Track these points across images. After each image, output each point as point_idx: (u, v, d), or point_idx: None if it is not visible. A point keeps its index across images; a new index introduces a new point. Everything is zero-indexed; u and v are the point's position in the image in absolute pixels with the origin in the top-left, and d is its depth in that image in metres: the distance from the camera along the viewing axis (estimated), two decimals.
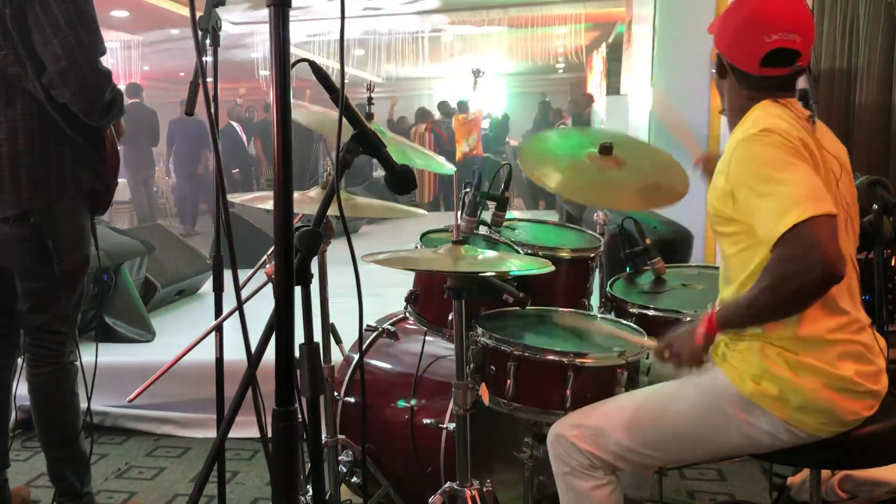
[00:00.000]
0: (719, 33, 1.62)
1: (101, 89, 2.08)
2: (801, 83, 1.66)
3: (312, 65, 1.31)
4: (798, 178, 1.40)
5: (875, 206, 2.04)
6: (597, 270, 2.22)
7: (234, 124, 10.86)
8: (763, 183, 1.43)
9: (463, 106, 11.60)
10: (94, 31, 2.06)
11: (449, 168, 2.13)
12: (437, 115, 12.42)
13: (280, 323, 0.94)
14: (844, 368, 1.47)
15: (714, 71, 1.66)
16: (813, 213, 1.34)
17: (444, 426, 2.02)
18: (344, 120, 1.25)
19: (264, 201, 1.94)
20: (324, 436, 2.06)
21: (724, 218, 1.55)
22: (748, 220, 1.47)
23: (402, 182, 1.45)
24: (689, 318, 1.95)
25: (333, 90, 1.34)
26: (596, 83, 14.57)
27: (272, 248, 1.35)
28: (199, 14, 1.93)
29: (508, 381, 1.73)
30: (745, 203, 1.47)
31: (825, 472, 2.07)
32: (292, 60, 1.09)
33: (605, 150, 2.12)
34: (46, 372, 2.26)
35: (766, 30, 1.53)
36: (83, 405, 2.31)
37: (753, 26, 1.55)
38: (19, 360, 2.41)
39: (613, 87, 10.72)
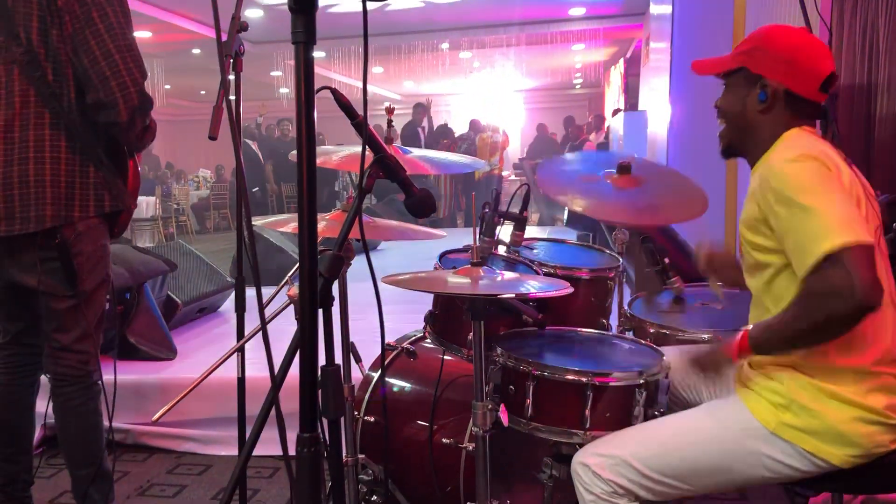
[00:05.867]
0: (770, 63, 1.58)
1: (145, 110, 2.17)
2: None
3: (334, 92, 1.34)
4: (834, 205, 1.37)
5: (895, 225, 2.03)
6: (615, 289, 2.22)
7: (249, 141, 10.88)
8: (798, 209, 1.40)
9: (491, 125, 11.71)
10: (139, 58, 2.16)
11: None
12: (457, 132, 12.44)
13: (304, 349, 0.95)
14: (876, 400, 1.45)
15: (761, 101, 1.58)
16: (849, 241, 1.32)
17: (464, 446, 2.03)
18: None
19: (286, 224, 1.97)
20: (343, 455, 2.07)
21: (760, 249, 1.52)
22: (783, 246, 1.45)
23: (420, 205, 1.47)
24: (707, 338, 1.95)
25: (355, 116, 1.37)
26: (614, 99, 14.60)
27: (294, 269, 1.37)
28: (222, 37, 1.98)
29: (527, 401, 1.73)
30: (778, 229, 1.44)
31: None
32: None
33: (623, 169, 2.14)
34: (72, 391, 2.28)
35: (820, 54, 1.56)
36: (105, 423, 2.34)
37: (809, 51, 1.56)
38: (43, 378, 2.44)
39: (632, 103, 10.74)
